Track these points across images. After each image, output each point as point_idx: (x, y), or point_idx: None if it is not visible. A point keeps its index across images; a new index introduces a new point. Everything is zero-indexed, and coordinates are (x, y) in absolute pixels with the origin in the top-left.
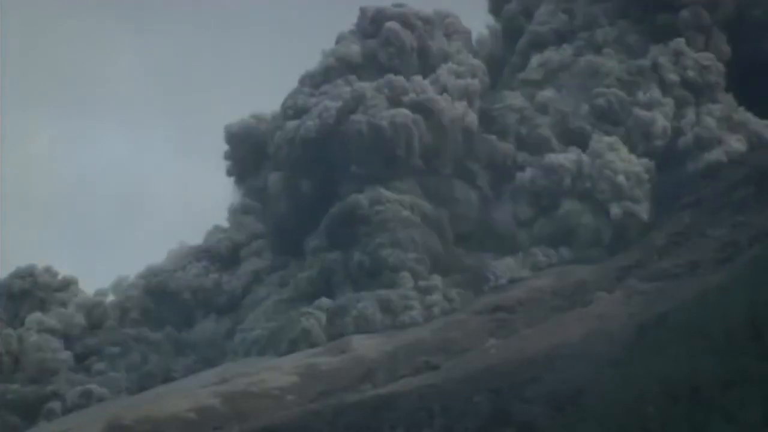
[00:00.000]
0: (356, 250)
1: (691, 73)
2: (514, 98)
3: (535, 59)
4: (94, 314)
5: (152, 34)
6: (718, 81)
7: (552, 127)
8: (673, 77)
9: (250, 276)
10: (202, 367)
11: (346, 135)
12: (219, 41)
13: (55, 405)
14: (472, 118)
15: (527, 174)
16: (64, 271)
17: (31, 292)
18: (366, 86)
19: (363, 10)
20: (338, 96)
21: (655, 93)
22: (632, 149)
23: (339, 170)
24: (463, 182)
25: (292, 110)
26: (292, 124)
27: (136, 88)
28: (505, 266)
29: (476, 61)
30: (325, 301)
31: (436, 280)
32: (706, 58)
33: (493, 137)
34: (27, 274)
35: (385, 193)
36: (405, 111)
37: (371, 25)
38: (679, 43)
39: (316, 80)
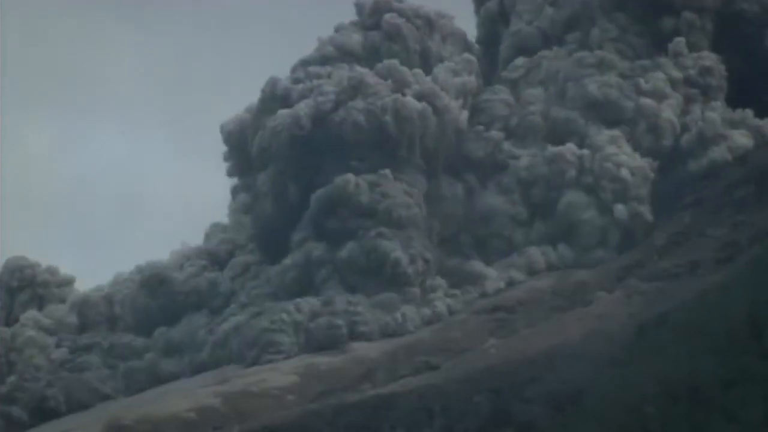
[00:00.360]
0: (349, 241)
1: (692, 72)
2: (502, 92)
3: (520, 60)
4: (88, 311)
5: (152, 34)
6: (720, 82)
7: (543, 119)
8: (676, 74)
9: (237, 271)
10: (189, 366)
11: (343, 125)
12: (219, 41)
13: (50, 392)
14: (464, 116)
15: (523, 161)
16: (63, 270)
17: (29, 287)
18: (366, 72)
19: (359, 5)
20: (338, 82)
21: (661, 84)
22: (636, 146)
23: (335, 165)
24: (452, 179)
25: (271, 98)
26: (284, 113)
27: (136, 88)
28: (500, 269)
29: (472, 57)
30: (308, 299)
31: (440, 282)
32: (707, 58)
33: (481, 128)
34: (20, 266)
35: (389, 177)
36: (411, 100)
37: (370, 17)
38: (679, 43)
39: (310, 67)
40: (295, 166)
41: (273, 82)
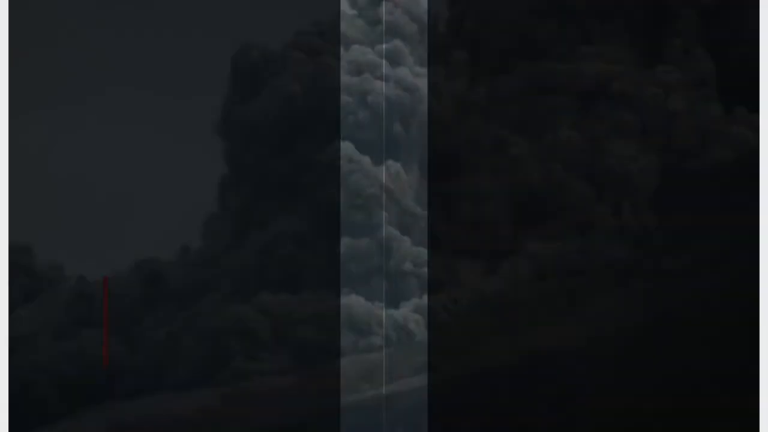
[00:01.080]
0: (346, 232)
1: (691, 75)
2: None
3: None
4: (82, 306)
5: (152, 34)
6: (713, 90)
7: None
8: (678, 75)
9: (222, 267)
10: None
11: (340, 113)
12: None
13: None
14: (451, 114)
15: (513, 144)
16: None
17: (25, 280)
18: (368, 50)
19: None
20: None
21: (670, 75)
22: (641, 140)
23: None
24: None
25: (250, 71)
26: (271, 89)
27: (135, 87)
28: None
29: (467, 56)
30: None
31: (440, 282)
32: (703, 61)
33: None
34: (14, 260)
35: (399, 169)
36: (424, 88)
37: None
38: (677, 45)
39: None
40: (282, 158)
41: (245, 52)
